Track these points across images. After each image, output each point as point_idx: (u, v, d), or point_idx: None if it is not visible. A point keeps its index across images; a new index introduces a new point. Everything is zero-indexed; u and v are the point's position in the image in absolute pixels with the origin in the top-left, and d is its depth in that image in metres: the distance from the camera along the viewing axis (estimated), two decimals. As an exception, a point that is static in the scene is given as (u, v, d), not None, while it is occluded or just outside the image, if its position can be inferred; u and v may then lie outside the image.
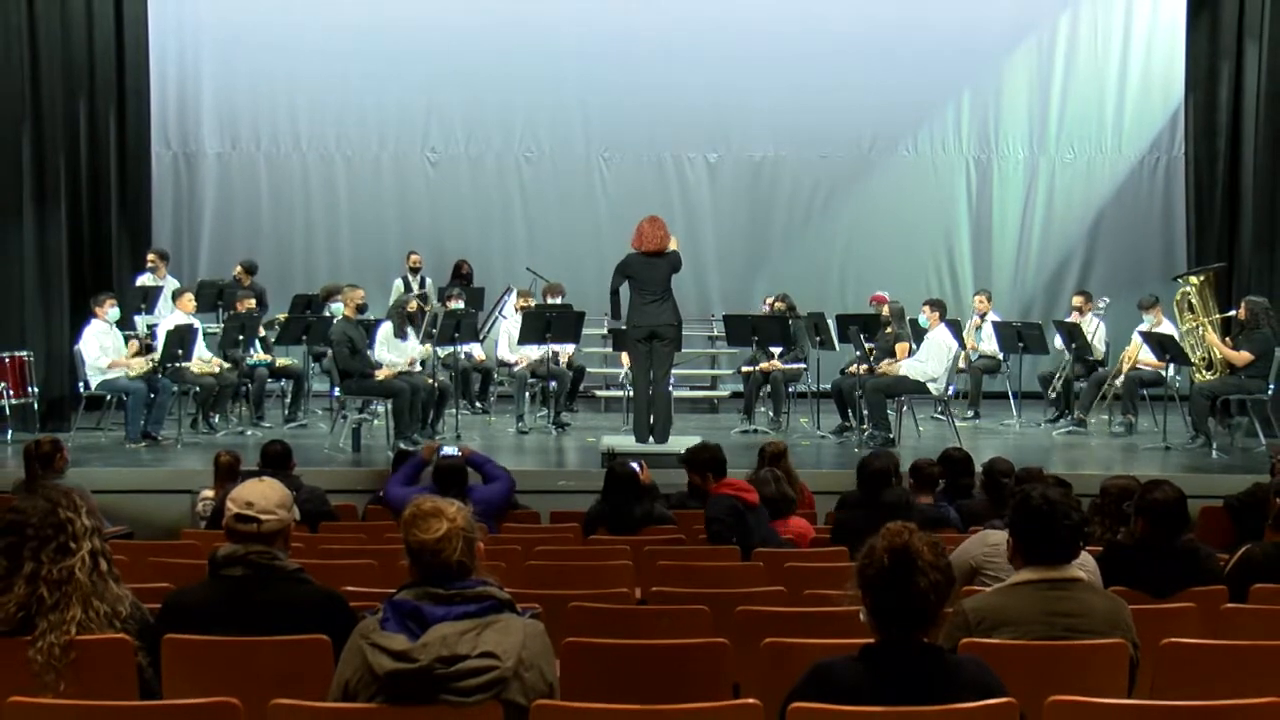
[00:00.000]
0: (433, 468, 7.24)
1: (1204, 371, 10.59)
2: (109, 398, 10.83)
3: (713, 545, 6.22)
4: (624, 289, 9.82)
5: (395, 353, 10.78)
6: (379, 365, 10.51)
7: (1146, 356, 11.16)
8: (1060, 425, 11.73)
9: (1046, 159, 14.73)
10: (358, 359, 10.33)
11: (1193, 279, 10.89)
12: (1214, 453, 10.11)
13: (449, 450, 7.48)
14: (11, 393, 10.58)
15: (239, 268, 13.16)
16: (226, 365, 11.23)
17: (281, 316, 12.22)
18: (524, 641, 3.23)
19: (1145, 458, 10.21)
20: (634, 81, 14.37)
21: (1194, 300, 10.71)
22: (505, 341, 12.16)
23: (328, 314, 11.78)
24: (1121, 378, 11.34)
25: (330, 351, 10.83)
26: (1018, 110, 14.73)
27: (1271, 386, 10.24)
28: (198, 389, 11.01)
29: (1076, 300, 12.31)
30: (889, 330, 11.23)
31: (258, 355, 11.70)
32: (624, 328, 10.10)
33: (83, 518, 3.67)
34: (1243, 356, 10.17)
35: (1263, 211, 11.81)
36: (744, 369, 12.17)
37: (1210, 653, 3.95)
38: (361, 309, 10.78)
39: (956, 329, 11.73)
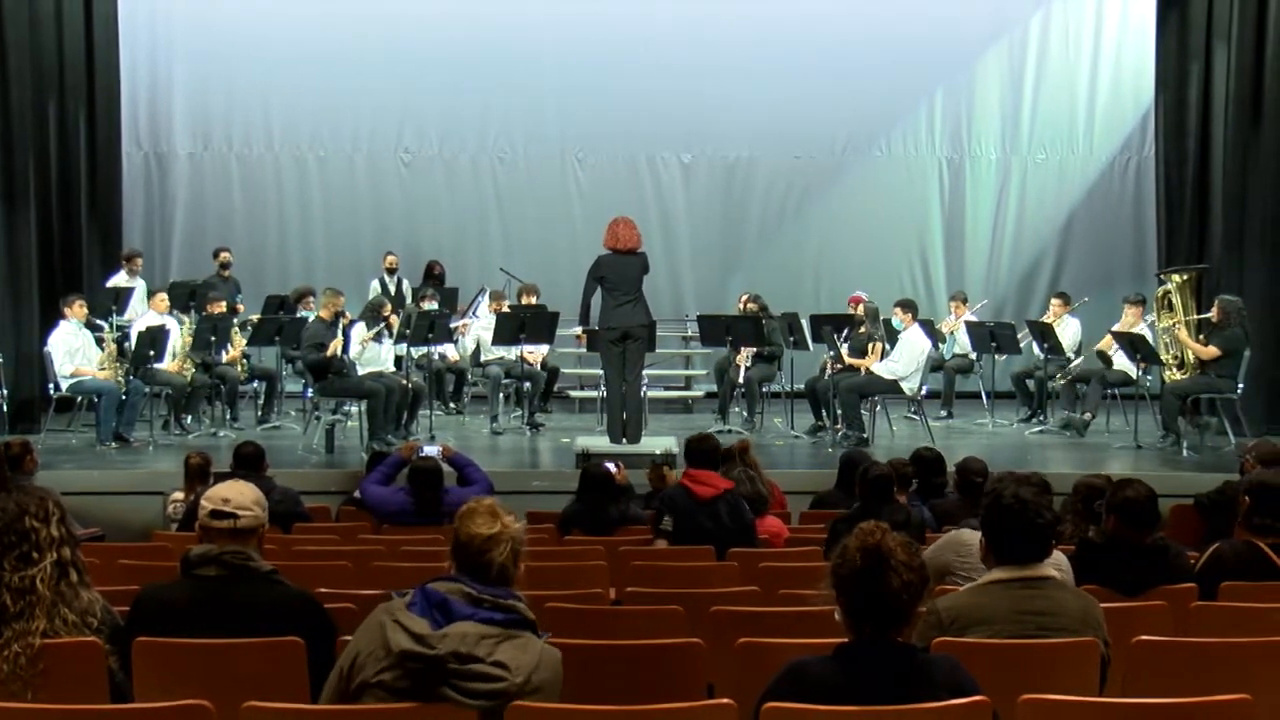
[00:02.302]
0: (408, 468, 7.22)
1: (1174, 370, 10.68)
2: (80, 399, 10.75)
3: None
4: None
5: (370, 355, 10.76)
6: (353, 363, 10.48)
7: (1116, 358, 11.25)
8: (1033, 425, 11.80)
9: (1019, 159, 14.81)
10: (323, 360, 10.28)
11: (1175, 277, 10.97)
12: (1184, 451, 10.18)
13: (429, 450, 7.46)
14: (-21, 394, 10.52)
15: (225, 254, 13.08)
16: (195, 365, 11.13)
17: (254, 318, 12.16)
18: (538, 664, 3.24)
19: (1116, 456, 10.29)
20: (608, 83, 14.36)
21: (1174, 299, 10.79)
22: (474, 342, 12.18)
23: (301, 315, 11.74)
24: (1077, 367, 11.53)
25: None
26: (990, 111, 14.81)
27: (1241, 385, 10.33)
28: (169, 390, 10.95)
29: (1055, 304, 12.37)
30: (862, 330, 11.27)
31: (232, 356, 11.62)
32: (595, 329, 10.12)
33: (51, 528, 3.61)
34: (1210, 351, 10.25)
35: (1232, 211, 11.89)
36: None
37: (1180, 650, 3.97)
38: (339, 314, 10.68)
39: (930, 329, 11.79)
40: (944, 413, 12.39)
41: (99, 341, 10.83)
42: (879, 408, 11.03)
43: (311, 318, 11.13)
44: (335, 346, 10.28)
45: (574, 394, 13.57)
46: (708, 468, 6.54)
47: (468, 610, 3.23)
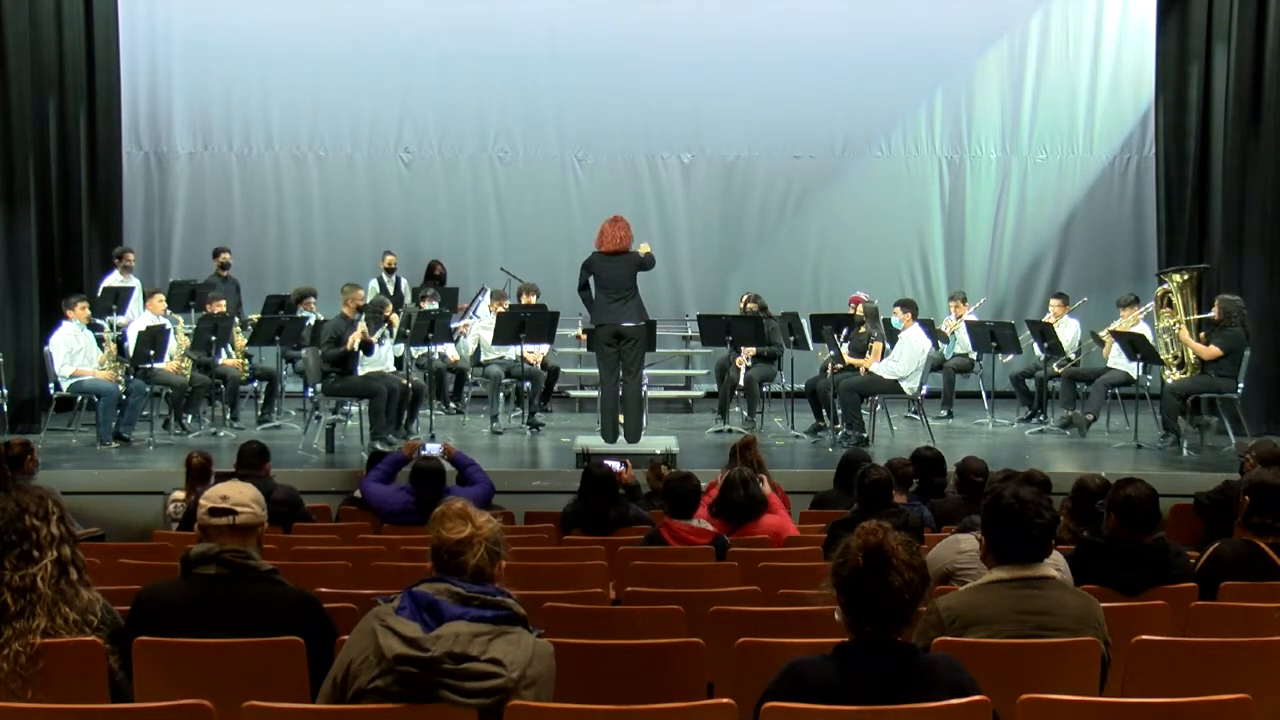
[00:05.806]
0: (411, 468, 7.22)
1: (1175, 370, 10.67)
2: (80, 399, 10.74)
3: None
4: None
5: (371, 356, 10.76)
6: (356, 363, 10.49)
7: (1117, 358, 11.25)
8: (1033, 424, 11.80)
9: (1019, 159, 14.82)
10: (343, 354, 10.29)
11: (1175, 276, 10.97)
12: (1184, 451, 10.18)
13: (431, 449, 7.45)
14: (-21, 394, 10.51)
15: (225, 254, 13.07)
16: (191, 362, 11.11)
17: (254, 317, 12.16)
18: (531, 659, 3.25)
19: (1116, 456, 10.28)
20: (608, 83, 14.38)
21: (1174, 298, 10.79)
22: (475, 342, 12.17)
23: (301, 315, 11.73)
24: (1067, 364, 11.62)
25: (304, 352, 10.78)
26: (990, 111, 14.81)
27: (1241, 385, 10.33)
28: (169, 390, 10.94)
29: (1054, 304, 12.37)
30: (862, 330, 11.27)
31: (233, 360, 11.60)
32: (592, 328, 10.12)
33: (51, 526, 3.61)
34: (1211, 350, 10.25)
35: (1232, 211, 11.88)
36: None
37: (1180, 650, 3.97)
38: (361, 309, 10.68)
39: (930, 329, 11.79)
40: (944, 412, 12.39)
41: (99, 341, 10.83)
42: (879, 408, 11.04)
43: (312, 319, 11.11)
44: (355, 340, 10.24)
45: (574, 394, 13.58)
46: (685, 518, 6.31)
47: (458, 610, 3.23)
